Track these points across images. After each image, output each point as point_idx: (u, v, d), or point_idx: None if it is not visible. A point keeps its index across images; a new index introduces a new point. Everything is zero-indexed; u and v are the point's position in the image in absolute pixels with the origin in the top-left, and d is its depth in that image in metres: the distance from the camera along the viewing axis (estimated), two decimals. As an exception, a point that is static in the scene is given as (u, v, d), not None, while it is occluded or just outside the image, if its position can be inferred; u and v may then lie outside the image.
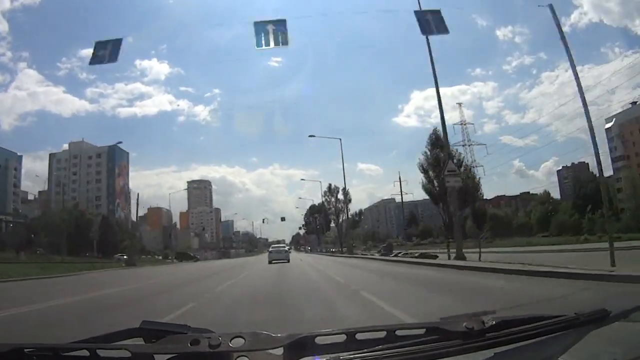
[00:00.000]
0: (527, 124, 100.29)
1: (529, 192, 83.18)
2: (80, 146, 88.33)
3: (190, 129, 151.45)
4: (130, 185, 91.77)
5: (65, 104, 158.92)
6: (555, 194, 72.97)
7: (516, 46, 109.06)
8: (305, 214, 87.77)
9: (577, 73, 11.37)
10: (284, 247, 35.59)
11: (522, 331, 0.97)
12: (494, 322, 0.96)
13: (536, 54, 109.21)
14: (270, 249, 32.40)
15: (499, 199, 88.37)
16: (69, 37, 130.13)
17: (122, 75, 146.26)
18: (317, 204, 77.03)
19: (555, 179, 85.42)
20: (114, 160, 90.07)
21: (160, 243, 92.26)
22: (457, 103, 77.72)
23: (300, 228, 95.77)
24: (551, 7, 12.45)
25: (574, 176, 73.69)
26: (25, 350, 0.96)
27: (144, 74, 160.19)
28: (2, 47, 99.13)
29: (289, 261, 26.25)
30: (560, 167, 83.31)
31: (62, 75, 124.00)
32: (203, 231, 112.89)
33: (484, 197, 50.25)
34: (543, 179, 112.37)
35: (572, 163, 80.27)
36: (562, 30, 12.36)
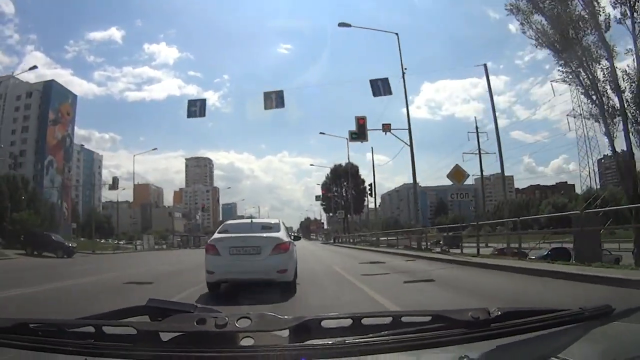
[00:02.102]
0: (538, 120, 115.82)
1: (566, 182, 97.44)
2: (8, 83, 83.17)
3: None
4: (137, 169, 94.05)
5: (73, 86, 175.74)
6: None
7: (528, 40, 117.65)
8: (324, 182, 78.28)
9: None
10: (266, 232, 10.13)
11: (527, 323, 1.26)
12: (499, 313, 1.25)
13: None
14: (218, 234, 10.48)
15: (533, 188, 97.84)
16: (77, 20, 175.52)
17: (131, 59, 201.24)
18: (342, 164, 69.05)
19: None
20: (48, 102, 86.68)
21: (139, 224, 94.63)
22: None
23: (317, 199, 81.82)
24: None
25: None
26: (31, 325, 1.28)
27: (152, 58, 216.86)
28: (10, 30, 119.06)
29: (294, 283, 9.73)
30: (602, 156, 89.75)
31: (69, 57, 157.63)
32: (200, 211, 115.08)
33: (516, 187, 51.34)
34: (552, 174, 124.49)
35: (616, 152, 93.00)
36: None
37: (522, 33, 23.50)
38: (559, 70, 22.96)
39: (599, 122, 21.98)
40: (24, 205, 52.21)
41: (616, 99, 20.80)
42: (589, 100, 22.03)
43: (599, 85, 21.22)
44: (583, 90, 22.41)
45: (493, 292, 9.16)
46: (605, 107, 21.08)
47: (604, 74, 21.07)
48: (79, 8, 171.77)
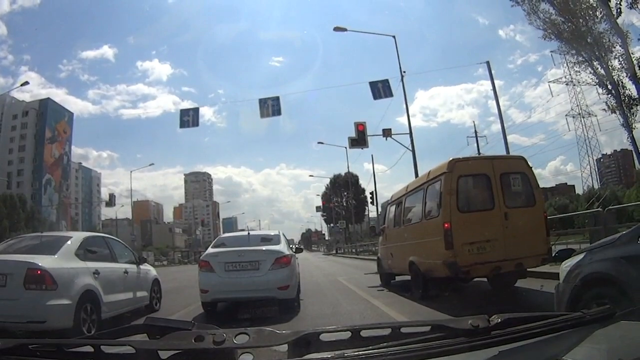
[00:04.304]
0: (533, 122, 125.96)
1: (565, 184, 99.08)
2: (4, 102, 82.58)
3: (195, 130, 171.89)
4: (135, 186, 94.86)
5: (69, 105, 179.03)
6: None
7: (518, 44, 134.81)
8: (324, 192, 78.51)
9: None
10: (265, 245, 9.32)
11: (528, 329, 1.26)
12: (499, 320, 1.25)
13: (541, 52, 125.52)
14: (212, 248, 9.63)
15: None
16: (69, 39, 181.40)
17: (124, 77, 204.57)
18: (342, 174, 69.02)
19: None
20: (44, 121, 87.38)
21: (139, 241, 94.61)
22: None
23: (317, 210, 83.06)
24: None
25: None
26: (30, 346, 1.30)
27: (145, 74, 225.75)
28: (3, 51, 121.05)
29: (297, 300, 9.36)
30: (601, 155, 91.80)
31: (63, 77, 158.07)
32: (201, 227, 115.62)
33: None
34: (549, 176, 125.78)
35: (615, 150, 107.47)
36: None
37: (529, 24, 23.20)
38: (570, 61, 22.49)
39: (616, 112, 21.61)
40: (22, 224, 52.12)
41: (634, 88, 20.42)
42: (604, 91, 21.66)
43: (613, 74, 20.83)
44: (597, 81, 22.06)
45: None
46: (622, 97, 20.70)
47: (619, 61, 20.75)
48: (71, 27, 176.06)
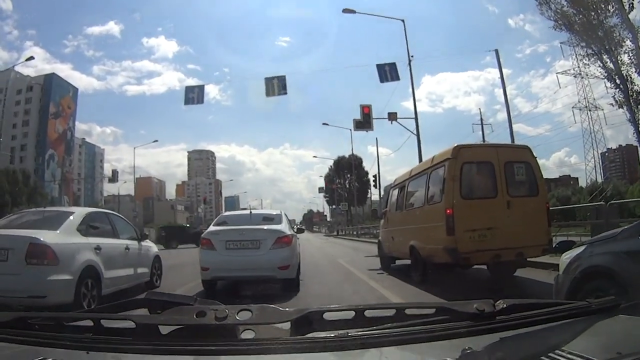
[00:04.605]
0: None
1: (569, 176, 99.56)
2: (9, 76, 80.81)
3: (199, 107, 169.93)
4: (138, 162, 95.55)
5: (73, 80, 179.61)
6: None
7: (527, 34, 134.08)
8: (327, 174, 79.44)
9: None
10: (266, 224, 9.26)
11: (532, 316, 1.26)
12: (504, 306, 1.24)
13: (550, 42, 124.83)
14: (214, 226, 9.66)
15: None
16: (75, 15, 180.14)
17: (130, 53, 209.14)
18: (346, 156, 68.76)
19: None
20: (48, 96, 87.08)
21: (141, 217, 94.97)
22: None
23: (320, 191, 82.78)
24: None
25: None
26: (29, 320, 1.28)
27: (151, 51, 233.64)
28: (8, 26, 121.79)
29: (297, 280, 9.22)
30: (606, 149, 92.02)
31: (68, 52, 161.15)
32: (203, 204, 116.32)
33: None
34: (553, 167, 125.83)
35: (620, 145, 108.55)
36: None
37: (540, 14, 23.06)
38: (579, 54, 22.46)
39: (623, 107, 21.51)
40: (24, 199, 52.20)
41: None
42: (613, 85, 21.54)
43: (622, 69, 20.68)
44: (606, 75, 21.92)
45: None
46: (630, 92, 20.58)
47: (629, 56, 20.59)
48: (77, 2, 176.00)
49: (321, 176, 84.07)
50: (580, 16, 21.81)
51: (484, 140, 40.54)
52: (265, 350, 1.12)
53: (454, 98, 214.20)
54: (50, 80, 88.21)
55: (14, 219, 8.05)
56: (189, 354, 1.13)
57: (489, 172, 8.66)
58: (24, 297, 6.17)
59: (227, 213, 12.65)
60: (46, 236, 6.67)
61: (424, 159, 14.89)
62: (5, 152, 66.28)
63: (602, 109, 47.53)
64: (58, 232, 7.04)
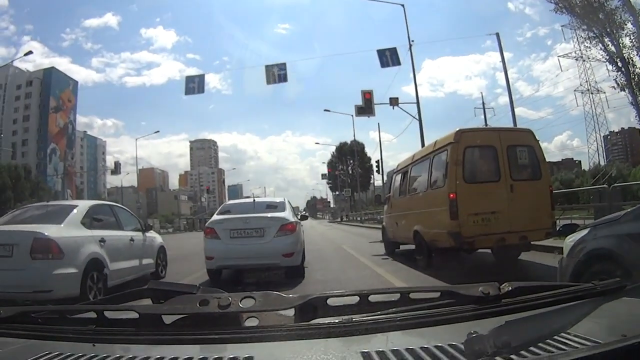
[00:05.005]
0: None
1: (572, 159, 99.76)
2: (7, 71, 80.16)
3: (200, 97, 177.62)
4: (140, 153, 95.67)
5: (72, 74, 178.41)
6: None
7: (527, 17, 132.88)
8: (330, 160, 79.04)
9: None
10: (270, 212, 9.32)
11: (537, 299, 1.25)
12: (510, 288, 1.23)
13: (551, 25, 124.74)
14: (217, 215, 9.62)
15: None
16: (72, 8, 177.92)
17: (128, 44, 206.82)
18: (348, 142, 69.73)
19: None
20: (48, 90, 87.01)
21: (145, 209, 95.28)
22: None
23: (323, 177, 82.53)
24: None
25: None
26: (32, 313, 1.28)
27: (150, 42, 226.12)
28: (5, 21, 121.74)
29: (302, 267, 9.13)
30: (608, 132, 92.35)
31: (67, 45, 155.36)
32: (206, 194, 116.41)
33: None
34: (555, 151, 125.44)
35: (622, 128, 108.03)
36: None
37: None
38: (580, 36, 22.34)
39: (625, 90, 21.42)
40: (27, 194, 52.19)
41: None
42: (614, 68, 21.44)
43: (624, 52, 20.56)
44: (607, 58, 21.80)
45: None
46: (632, 75, 20.48)
47: (630, 39, 20.47)
48: None
49: (324, 163, 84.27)
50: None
51: (486, 124, 40.41)
52: (269, 338, 1.11)
53: (455, 82, 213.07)
54: (50, 75, 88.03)
55: (17, 214, 8.03)
56: (192, 343, 1.13)
57: (491, 156, 8.63)
58: (29, 292, 6.12)
59: (231, 202, 12.61)
60: (50, 230, 6.64)
61: (426, 144, 14.86)
62: (7, 147, 66.52)
63: (604, 92, 47.45)
64: (62, 225, 7.03)
